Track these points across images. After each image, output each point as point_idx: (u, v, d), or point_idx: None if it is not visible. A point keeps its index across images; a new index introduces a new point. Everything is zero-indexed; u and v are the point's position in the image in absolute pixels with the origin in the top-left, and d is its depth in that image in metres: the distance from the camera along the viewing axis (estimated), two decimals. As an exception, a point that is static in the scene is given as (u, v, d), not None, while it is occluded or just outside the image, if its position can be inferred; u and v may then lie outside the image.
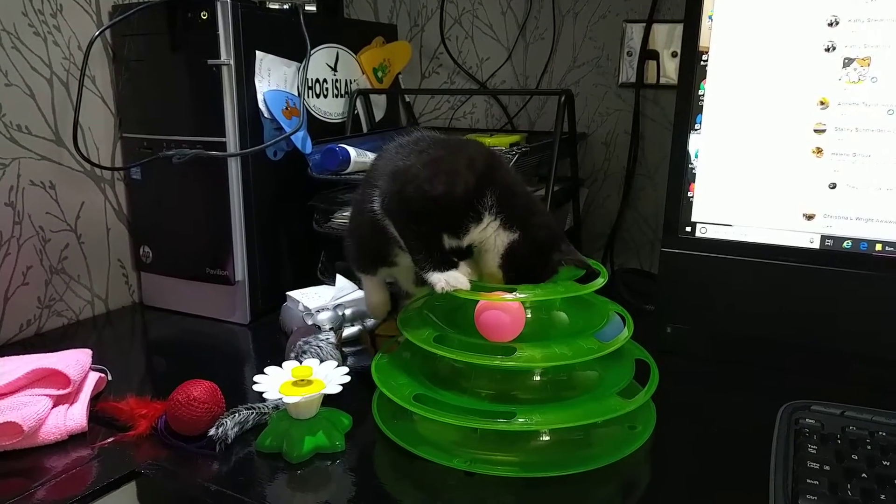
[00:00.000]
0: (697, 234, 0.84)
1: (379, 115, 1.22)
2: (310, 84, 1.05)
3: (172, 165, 0.90)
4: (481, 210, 0.66)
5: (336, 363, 0.72)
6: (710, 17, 0.80)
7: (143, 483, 0.64)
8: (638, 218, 1.19)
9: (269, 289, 1.00)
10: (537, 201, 0.73)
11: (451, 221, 0.67)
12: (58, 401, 0.69)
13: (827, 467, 0.57)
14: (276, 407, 0.69)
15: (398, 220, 0.68)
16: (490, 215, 0.67)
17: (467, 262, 0.70)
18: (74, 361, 0.72)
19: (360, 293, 0.94)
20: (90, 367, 0.75)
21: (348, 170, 0.98)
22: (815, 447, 0.60)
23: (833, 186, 0.77)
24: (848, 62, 0.75)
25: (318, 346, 0.78)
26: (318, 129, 1.06)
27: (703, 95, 0.81)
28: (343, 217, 0.99)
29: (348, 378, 0.67)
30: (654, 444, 0.66)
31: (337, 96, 1.11)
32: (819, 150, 0.77)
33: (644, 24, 1.12)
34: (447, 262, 0.67)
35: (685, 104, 0.82)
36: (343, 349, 0.83)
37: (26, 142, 0.90)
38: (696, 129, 0.82)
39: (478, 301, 0.65)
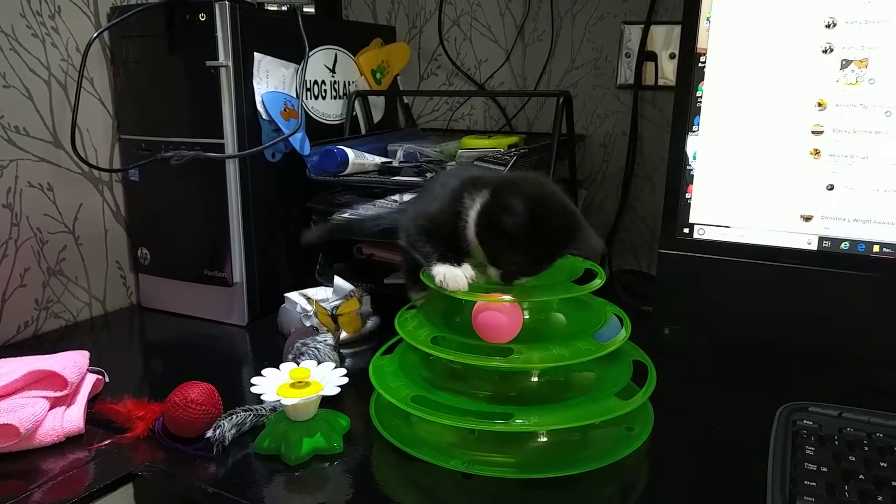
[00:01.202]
0: (695, 235, 0.84)
1: (377, 116, 1.22)
2: (308, 85, 1.05)
3: (170, 167, 0.90)
4: None
5: (334, 365, 0.72)
6: (707, 19, 0.80)
7: (140, 485, 0.63)
8: (636, 219, 1.19)
9: (266, 290, 1.00)
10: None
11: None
12: (55, 403, 0.69)
13: (824, 469, 0.57)
14: (274, 409, 0.69)
15: None
16: None
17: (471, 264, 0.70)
18: (72, 363, 0.72)
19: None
20: (87, 369, 0.75)
21: (346, 171, 0.98)
22: (812, 448, 0.60)
23: (831, 188, 0.77)
24: (846, 64, 0.75)
25: (315, 348, 0.78)
26: (317, 130, 1.06)
27: (701, 97, 0.81)
28: (342, 219, 0.99)
29: (346, 380, 0.67)
30: (651, 446, 0.66)
31: (335, 98, 1.12)
32: (817, 152, 0.77)
33: (642, 26, 1.12)
34: (452, 259, 0.68)
35: (683, 106, 0.82)
36: (341, 350, 0.83)
37: (24, 143, 0.90)
38: (693, 131, 0.82)
39: (475, 302, 0.65)
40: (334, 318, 0.88)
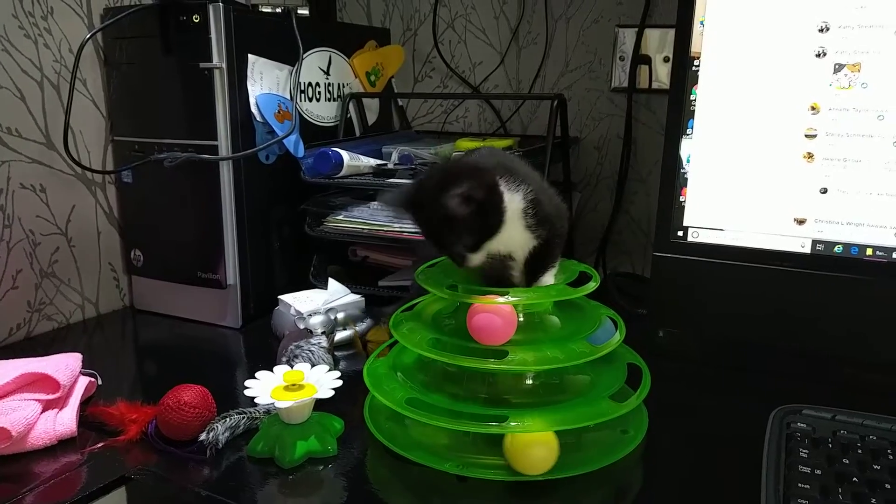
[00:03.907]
0: (689, 238, 0.84)
1: (371, 118, 1.22)
2: (302, 88, 1.05)
3: (164, 169, 0.90)
4: None
5: (328, 367, 0.71)
6: (701, 23, 0.80)
7: (133, 488, 0.63)
8: (630, 222, 1.19)
9: (260, 293, 0.99)
10: None
11: None
12: (47, 405, 0.68)
13: (818, 471, 0.57)
14: (268, 411, 0.69)
15: None
16: None
17: None
18: (64, 366, 0.71)
19: (352, 297, 0.94)
20: (80, 372, 0.74)
21: (341, 174, 0.98)
22: (806, 451, 0.60)
23: (824, 191, 0.78)
24: (839, 68, 0.75)
25: (309, 351, 0.77)
26: (311, 132, 1.06)
27: (695, 100, 0.82)
28: (336, 220, 0.99)
29: (340, 382, 0.67)
30: (645, 448, 0.66)
31: (329, 100, 1.11)
32: (810, 155, 0.78)
33: (636, 29, 1.12)
34: None
35: (677, 109, 0.82)
36: (335, 353, 0.83)
37: (17, 145, 0.90)
38: (687, 134, 0.82)
39: (470, 304, 0.65)
40: (364, 342, 0.89)
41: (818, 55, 0.76)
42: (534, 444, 0.60)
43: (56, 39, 0.93)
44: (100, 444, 0.67)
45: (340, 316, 0.90)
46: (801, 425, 0.64)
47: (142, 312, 1.04)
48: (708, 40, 0.80)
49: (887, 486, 0.55)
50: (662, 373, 0.70)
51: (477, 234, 0.65)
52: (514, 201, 0.64)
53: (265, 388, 0.65)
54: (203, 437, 0.65)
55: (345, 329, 0.89)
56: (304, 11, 1.06)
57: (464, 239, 0.64)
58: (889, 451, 0.59)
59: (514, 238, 0.66)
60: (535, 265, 0.69)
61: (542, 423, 0.61)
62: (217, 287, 0.96)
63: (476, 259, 0.66)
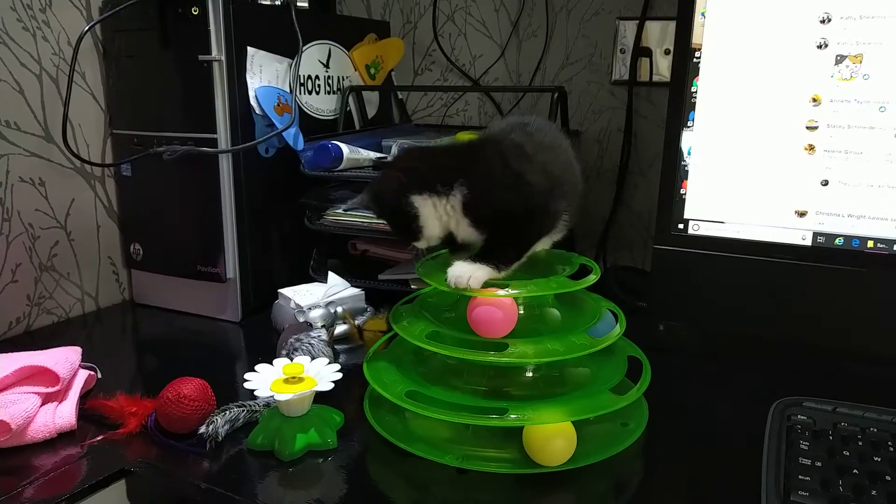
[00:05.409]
0: (690, 231, 0.84)
1: (371, 111, 1.22)
2: (302, 80, 1.05)
3: (163, 162, 0.90)
4: None
5: (328, 360, 0.71)
6: (702, 14, 0.80)
7: (133, 481, 0.63)
8: (631, 215, 1.19)
9: (260, 286, 0.99)
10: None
11: None
12: (47, 399, 0.68)
13: (819, 463, 0.57)
14: (268, 405, 0.69)
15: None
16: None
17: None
18: (64, 359, 0.71)
19: (351, 290, 0.94)
20: (80, 365, 0.74)
21: (341, 167, 0.98)
22: (806, 443, 0.60)
23: (825, 183, 0.77)
24: (840, 59, 0.75)
25: (309, 344, 0.77)
26: (310, 125, 1.06)
27: (696, 93, 0.81)
28: (335, 214, 0.99)
29: (340, 375, 0.67)
30: (646, 441, 0.66)
31: (329, 93, 1.11)
32: (811, 147, 0.77)
33: (637, 22, 1.11)
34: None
35: (678, 101, 0.82)
36: (335, 346, 0.83)
37: (15, 138, 0.90)
38: (688, 127, 0.82)
39: (470, 297, 0.64)
40: (360, 331, 0.89)
41: (819, 46, 0.75)
42: (554, 437, 0.60)
43: (54, 32, 0.92)
44: (99, 437, 0.67)
45: (340, 309, 0.90)
46: (802, 418, 0.64)
47: (141, 306, 1.04)
48: (709, 32, 0.80)
49: (888, 477, 0.55)
50: (663, 366, 0.70)
51: (397, 231, 0.71)
52: (441, 201, 0.67)
53: (265, 381, 0.65)
54: (203, 430, 0.65)
55: (344, 323, 0.89)
56: (303, 4, 1.06)
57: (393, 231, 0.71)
58: (889, 443, 0.59)
59: (461, 229, 0.68)
60: (492, 254, 0.66)
61: (542, 415, 0.61)
62: (217, 281, 0.96)
63: (422, 244, 0.70)
